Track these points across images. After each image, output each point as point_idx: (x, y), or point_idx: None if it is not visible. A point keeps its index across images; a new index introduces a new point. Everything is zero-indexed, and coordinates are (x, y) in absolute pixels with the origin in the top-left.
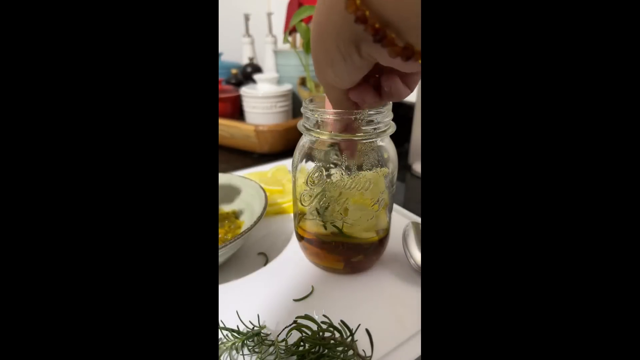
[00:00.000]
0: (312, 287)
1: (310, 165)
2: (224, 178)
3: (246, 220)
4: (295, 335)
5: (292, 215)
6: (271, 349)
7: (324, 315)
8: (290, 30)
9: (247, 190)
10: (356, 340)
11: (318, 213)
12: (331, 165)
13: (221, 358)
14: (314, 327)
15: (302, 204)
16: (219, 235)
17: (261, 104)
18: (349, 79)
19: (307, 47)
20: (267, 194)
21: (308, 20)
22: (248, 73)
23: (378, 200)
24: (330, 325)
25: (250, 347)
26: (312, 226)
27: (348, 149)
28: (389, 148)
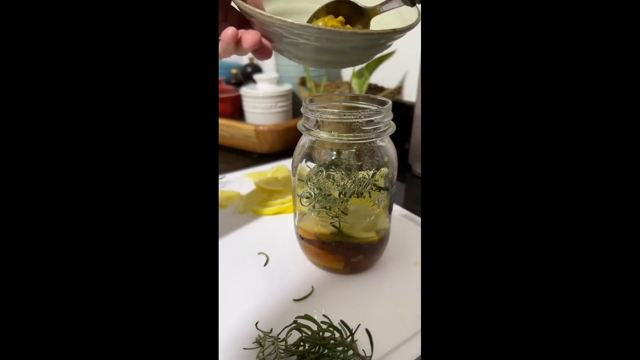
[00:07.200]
0: (312, 287)
1: (310, 165)
2: None
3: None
4: (295, 335)
5: (292, 215)
6: (271, 348)
7: (324, 315)
8: None
9: None
10: (356, 340)
11: (318, 213)
12: (331, 166)
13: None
14: (314, 327)
15: (302, 204)
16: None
17: (261, 104)
18: None
19: None
20: (267, 194)
21: None
22: (248, 73)
23: (378, 200)
24: (330, 325)
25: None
26: (312, 226)
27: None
28: (389, 148)
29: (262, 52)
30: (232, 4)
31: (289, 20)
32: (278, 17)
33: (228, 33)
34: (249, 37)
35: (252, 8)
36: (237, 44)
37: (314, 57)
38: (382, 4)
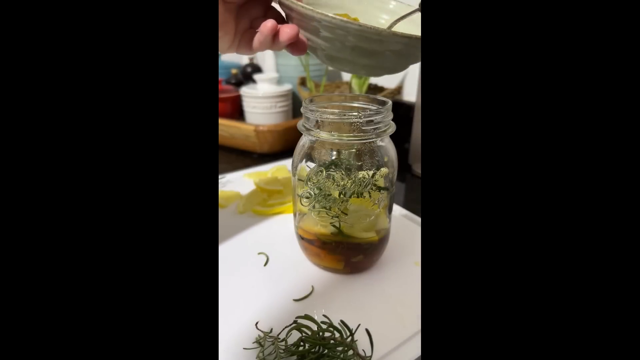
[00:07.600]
0: (312, 287)
1: (310, 165)
2: None
3: None
4: (295, 335)
5: (292, 215)
6: (271, 348)
7: (324, 315)
8: None
9: None
10: (356, 340)
11: (318, 213)
12: (331, 166)
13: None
14: (314, 327)
15: (302, 204)
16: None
17: (261, 104)
18: None
19: None
20: (267, 194)
21: None
22: (248, 73)
23: (378, 200)
24: (330, 325)
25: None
26: (312, 226)
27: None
28: (389, 148)
29: (297, 47)
30: (273, 3)
31: (330, 15)
32: (319, 11)
33: (267, 25)
34: (288, 30)
35: (294, 0)
36: (274, 37)
37: (348, 57)
38: (400, 18)
